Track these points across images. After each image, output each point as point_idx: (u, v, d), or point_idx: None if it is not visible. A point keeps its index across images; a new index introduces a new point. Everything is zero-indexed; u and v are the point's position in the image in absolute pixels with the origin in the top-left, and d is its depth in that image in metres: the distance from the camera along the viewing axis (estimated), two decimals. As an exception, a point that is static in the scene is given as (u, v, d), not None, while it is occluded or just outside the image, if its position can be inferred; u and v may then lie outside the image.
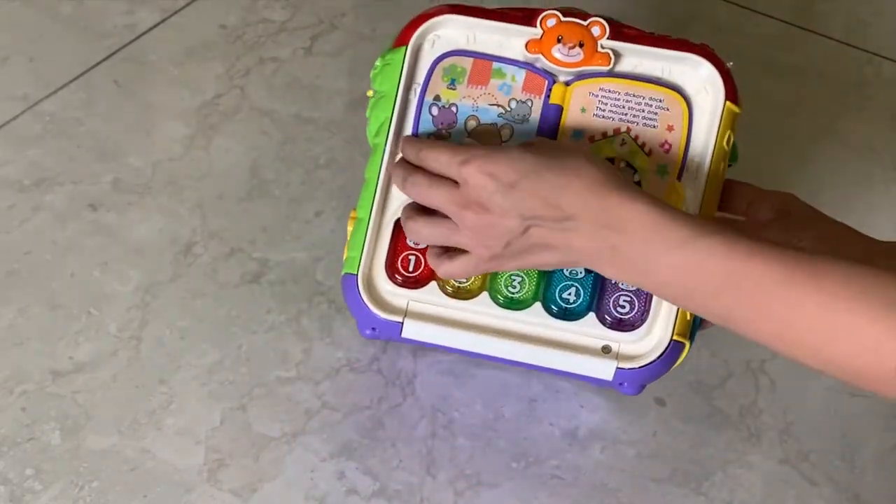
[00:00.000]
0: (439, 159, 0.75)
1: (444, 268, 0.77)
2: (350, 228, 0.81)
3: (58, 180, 0.99)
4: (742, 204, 0.80)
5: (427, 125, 0.81)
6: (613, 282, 0.79)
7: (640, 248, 0.69)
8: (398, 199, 0.80)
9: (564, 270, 0.79)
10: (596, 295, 0.79)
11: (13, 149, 1.01)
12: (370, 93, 0.83)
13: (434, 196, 0.75)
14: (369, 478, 0.85)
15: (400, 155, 0.80)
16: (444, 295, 0.80)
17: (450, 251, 0.77)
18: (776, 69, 1.12)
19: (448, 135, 0.80)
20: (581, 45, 0.79)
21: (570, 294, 0.79)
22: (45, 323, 0.91)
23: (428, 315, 0.80)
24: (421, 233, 0.77)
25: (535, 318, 0.79)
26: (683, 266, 0.68)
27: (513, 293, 0.79)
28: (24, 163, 1.00)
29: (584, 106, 0.80)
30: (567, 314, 0.79)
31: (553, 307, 0.79)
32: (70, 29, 1.09)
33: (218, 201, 0.99)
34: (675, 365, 0.80)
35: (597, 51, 0.79)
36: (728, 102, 0.79)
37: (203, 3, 1.12)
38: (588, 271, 0.79)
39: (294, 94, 1.07)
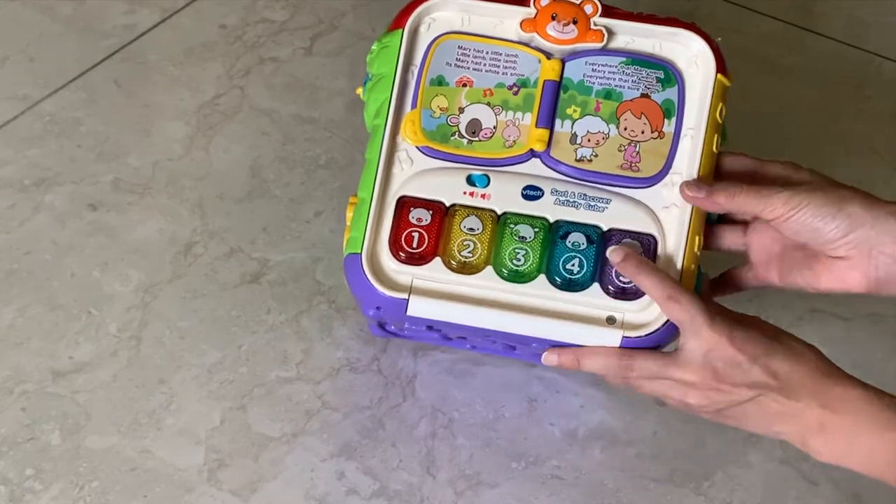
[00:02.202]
0: (690, 311, 0.74)
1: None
2: (349, 214, 0.81)
3: (58, 180, 0.99)
4: (745, 176, 0.80)
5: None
6: None
7: (848, 428, 0.71)
8: (400, 179, 0.81)
9: (567, 241, 0.79)
10: (599, 265, 0.79)
11: (13, 149, 1.01)
12: (360, 91, 0.83)
13: (659, 371, 0.75)
14: (369, 478, 0.85)
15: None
16: (448, 271, 0.79)
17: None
18: (776, 69, 1.12)
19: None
20: (575, 22, 0.81)
21: (573, 265, 0.79)
22: (45, 323, 0.91)
23: (433, 291, 0.79)
24: (648, 387, 0.77)
25: (540, 291, 0.79)
26: (889, 448, 0.70)
27: (517, 266, 0.79)
28: (24, 163, 1.00)
29: (579, 80, 0.81)
30: (571, 285, 0.79)
31: (557, 279, 0.79)
32: (70, 29, 1.09)
33: (218, 201, 0.99)
34: None
35: (590, 28, 0.81)
36: (719, 75, 0.81)
37: (203, 3, 1.12)
38: (590, 241, 0.79)
39: (294, 94, 1.07)
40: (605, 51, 0.82)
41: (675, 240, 0.79)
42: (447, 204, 0.80)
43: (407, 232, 0.80)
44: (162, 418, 0.87)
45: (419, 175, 0.81)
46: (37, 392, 0.88)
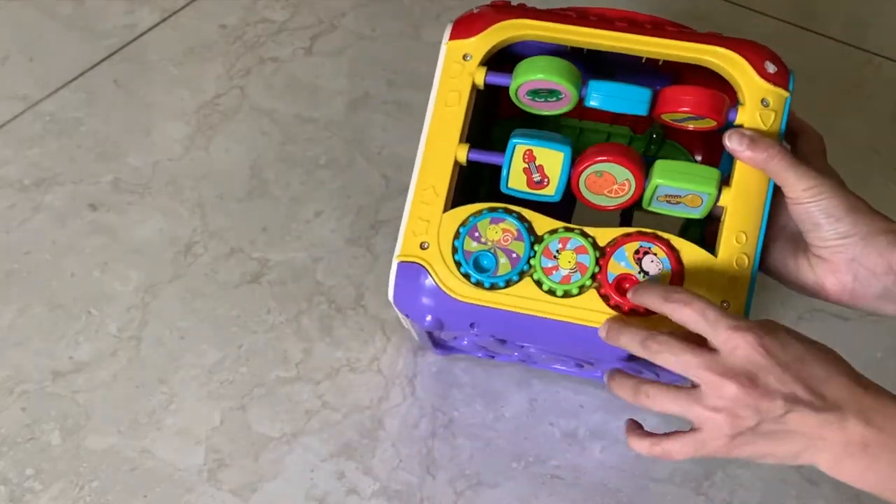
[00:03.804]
0: (706, 314, 0.68)
1: (663, 446, 0.70)
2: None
3: (58, 180, 0.99)
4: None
5: None
6: None
7: (893, 447, 0.65)
8: None
9: None
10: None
11: (13, 149, 1.01)
12: None
13: (686, 360, 0.67)
14: (369, 478, 0.85)
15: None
16: None
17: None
18: (776, 69, 1.12)
19: None
20: None
21: None
22: (45, 323, 0.91)
23: None
24: (661, 400, 0.69)
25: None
26: None
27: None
28: (24, 163, 1.00)
29: None
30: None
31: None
32: (70, 29, 1.09)
33: (218, 201, 0.99)
34: None
35: None
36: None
37: (203, 3, 1.12)
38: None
39: (294, 94, 1.06)
40: None
41: None
42: None
43: None
44: (162, 418, 0.87)
45: None
46: (37, 392, 0.88)
